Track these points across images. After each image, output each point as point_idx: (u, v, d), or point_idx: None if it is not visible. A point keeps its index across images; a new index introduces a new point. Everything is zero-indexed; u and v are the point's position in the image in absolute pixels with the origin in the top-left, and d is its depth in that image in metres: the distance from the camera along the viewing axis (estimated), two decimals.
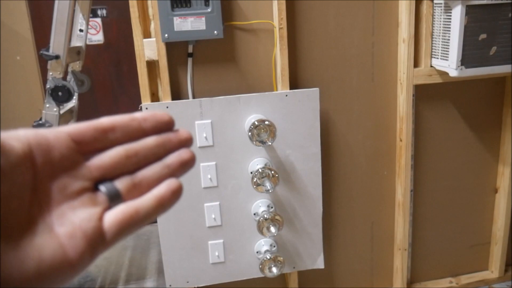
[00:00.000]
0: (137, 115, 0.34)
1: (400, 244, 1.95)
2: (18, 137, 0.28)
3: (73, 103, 2.15)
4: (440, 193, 1.98)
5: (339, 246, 1.96)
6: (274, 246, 1.72)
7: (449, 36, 1.62)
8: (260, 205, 1.68)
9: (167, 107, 1.57)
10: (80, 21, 1.97)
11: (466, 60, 1.61)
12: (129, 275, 2.46)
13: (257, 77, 1.69)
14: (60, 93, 1.91)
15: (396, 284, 2.03)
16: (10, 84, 2.85)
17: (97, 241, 0.29)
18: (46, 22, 2.68)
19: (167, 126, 0.35)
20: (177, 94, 1.65)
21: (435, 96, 1.84)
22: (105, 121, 0.32)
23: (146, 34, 1.59)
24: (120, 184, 0.32)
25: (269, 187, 1.55)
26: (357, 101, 1.80)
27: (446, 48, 1.64)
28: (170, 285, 1.72)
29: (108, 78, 3.03)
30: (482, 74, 1.66)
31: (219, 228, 1.69)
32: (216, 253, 1.71)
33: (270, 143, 1.55)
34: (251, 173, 1.60)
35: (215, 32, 1.52)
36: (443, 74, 1.73)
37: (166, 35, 1.51)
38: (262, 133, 1.53)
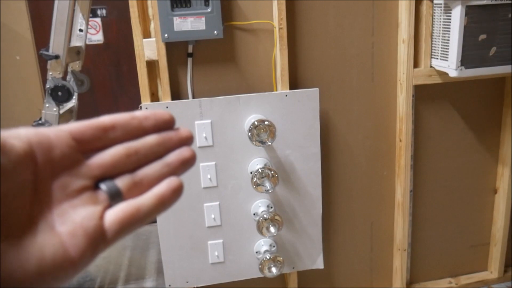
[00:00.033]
0: (137, 113, 0.34)
1: (399, 244, 1.95)
2: (19, 136, 0.28)
3: (72, 103, 2.14)
4: (439, 193, 1.98)
5: (338, 246, 1.96)
6: (274, 246, 1.72)
7: (448, 37, 1.62)
8: (260, 205, 1.68)
9: (167, 107, 1.57)
10: (80, 21, 1.96)
11: (465, 60, 1.61)
12: (129, 275, 2.46)
13: (257, 77, 1.69)
14: (59, 93, 1.91)
15: (395, 284, 2.03)
16: (10, 84, 2.85)
17: (98, 239, 0.29)
18: (46, 22, 2.69)
19: (167, 124, 0.35)
20: (177, 94, 1.65)
21: (434, 97, 1.84)
22: (106, 119, 0.32)
23: (146, 34, 1.59)
24: (121, 182, 0.32)
25: (268, 187, 1.55)
26: (357, 101, 1.80)
27: (446, 48, 1.64)
28: (169, 285, 1.72)
29: (107, 78, 3.03)
30: (481, 75, 1.67)
31: (218, 228, 1.69)
32: (216, 253, 1.71)
33: (269, 143, 1.55)
34: (251, 173, 1.60)
35: (215, 32, 1.52)
36: (443, 74, 1.73)
37: (166, 35, 1.51)
38: (261, 133, 1.53)
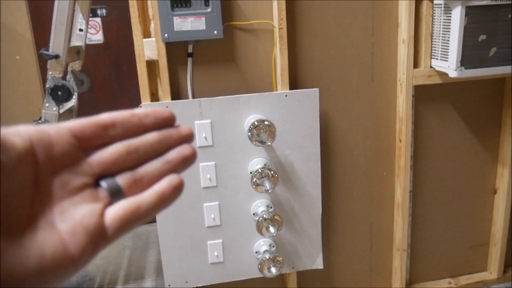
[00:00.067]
0: (137, 111, 0.34)
1: (399, 245, 1.95)
2: (19, 133, 0.28)
3: (72, 102, 2.14)
4: (439, 193, 1.98)
5: (338, 247, 1.96)
6: (273, 246, 1.72)
7: (448, 37, 1.62)
8: (260, 205, 1.68)
9: (167, 107, 1.57)
10: (80, 21, 1.96)
11: (465, 61, 1.61)
12: (128, 275, 2.46)
13: (257, 77, 1.69)
14: (59, 93, 1.91)
15: (395, 285, 2.03)
16: (10, 84, 2.85)
17: (99, 237, 0.29)
18: (46, 22, 2.69)
19: (168, 122, 0.35)
20: (176, 94, 1.65)
21: (434, 97, 1.85)
22: (106, 117, 0.32)
23: (146, 34, 1.59)
24: (121, 180, 0.32)
25: (268, 187, 1.55)
26: (357, 102, 1.80)
27: (446, 49, 1.64)
28: (169, 285, 1.72)
29: (107, 78, 3.03)
30: (481, 75, 1.67)
31: (218, 228, 1.69)
32: (215, 253, 1.71)
33: (269, 143, 1.55)
34: (251, 173, 1.60)
35: (215, 32, 1.52)
36: (443, 75, 1.73)
37: (166, 35, 1.51)
38: (261, 133, 1.53)
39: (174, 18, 1.49)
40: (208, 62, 1.65)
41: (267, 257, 1.66)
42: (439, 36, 1.69)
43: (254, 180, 1.57)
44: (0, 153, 0.26)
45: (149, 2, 1.56)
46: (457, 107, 1.88)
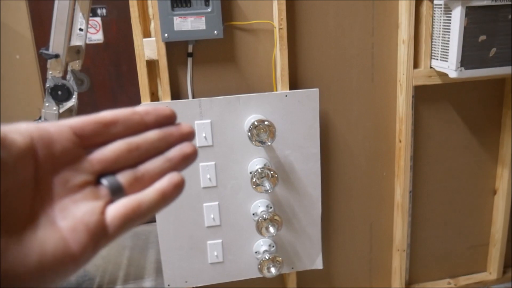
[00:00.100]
0: (139, 108, 0.34)
1: (398, 245, 1.95)
2: (20, 131, 0.28)
3: (72, 102, 2.14)
4: (439, 194, 1.98)
5: (337, 247, 1.96)
6: (273, 246, 1.72)
7: (448, 37, 1.62)
8: (259, 205, 1.68)
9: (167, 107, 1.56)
10: (80, 20, 1.96)
11: (465, 61, 1.61)
12: (128, 274, 2.46)
13: (257, 77, 1.69)
14: (59, 92, 1.90)
15: (394, 285, 2.03)
16: (10, 83, 2.85)
17: (99, 234, 0.29)
18: (46, 21, 2.69)
19: (169, 120, 0.35)
20: (176, 94, 1.65)
21: (434, 97, 1.85)
22: (107, 114, 0.32)
23: (146, 34, 1.59)
24: (122, 177, 0.32)
25: (268, 187, 1.55)
26: (357, 102, 1.80)
27: (446, 49, 1.64)
28: (168, 285, 1.71)
29: (107, 78, 3.03)
30: (481, 76, 1.67)
31: (218, 228, 1.69)
32: (215, 253, 1.71)
33: (269, 143, 1.55)
34: (250, 173, 1.60)
35: (215, 32, 1.52)
36: (443, 75, 1.73)
37: (166, 34, 1.51)
38: (261, 133, 1.53)
39: (174, 18, 1.49)
40: (208, 62, 1.65)
41: (267, 257, 1.66)
42: (439, 37, 1.69)
43: (254, 180, 1.57)
44: (0, 150, 0.26)
45: (149, 2, 1.56)
46: (457, 107, 1.88)
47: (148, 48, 1.56)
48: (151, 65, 1.62)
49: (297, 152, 1.67)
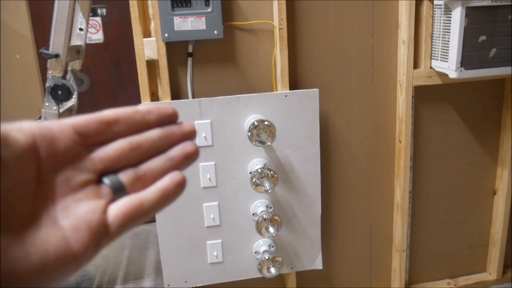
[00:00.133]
0: (140, 107, 0.34)
1: (398, 245, 1.95)
2: (22, 129, 0.28)
3: (72, 102, 2.14)
4: (438, 194, 1.98)
5: (337, 247, 1.96)
6: (273, 247, 1.72)
7: (448, 38, 1.62)
8: (259, 205, 1.68)
9: None
10: (80, 20, 1.96)
11: (465, 61, 1.61)
12: (127, 274, 2.46)
13: (257, 77, 1.69)
14: (59, 92, 1.90)
15: (394, 285, 2.03)
16: (10, 83, 2.85)
17: (101, 233, 0.29)
18: (46, 21, 2.69)
19: (170, 119, 0.34)
20: (176, 93, 1.65)
21: (434, 98, 1.85)
22: (109, 113, 0.32)
23: (146, 34, 1.59)
24: (124, 176, 0.31)
25: (268, 188, 1.55)
26: (357, 102, 1.80)
27: (446, 49, 1.64)
28: (168, 285, 1.71)
29: (107, 77, 3.03)
30: (481, 76, 1.67)
31: (217, 228, 1.69)
32: (215, 253, 1.71)
33: (269, 144, 1.55)
34: (250, 173, 1.60)
35: (215, 32, 1.52)
36: (443, 75, 1.73)
37: (166, 34, 1.51)
38: (261, 133, 1.53)
39: (174, 17, 1.49)
40: (208, 62, 1.65)
41: (267, 257, 1.66)
42: (439, 37, 1.69)
43: (253, 180, 1.57)
44: (2, 148, 0.26)
45: (149, 2, 1.56)
46: (457, 107, 1.88)
47: (148, 48, 1.56)
48: (151, 65, 1.62)
49: (297, 152, 1.67)
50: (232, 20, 1.62)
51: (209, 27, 1.52)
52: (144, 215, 0.31)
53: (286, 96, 1.62)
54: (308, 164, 1.69)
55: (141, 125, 0.33)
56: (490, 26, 1.59)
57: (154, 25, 1.57)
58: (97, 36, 2.95)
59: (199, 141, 1.59)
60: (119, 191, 0.31)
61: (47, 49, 1.85)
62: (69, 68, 2.05)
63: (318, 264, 1.81)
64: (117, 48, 2.99)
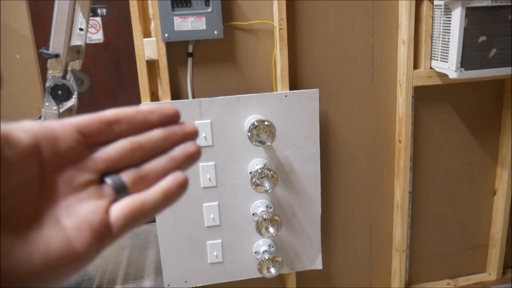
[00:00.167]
0: (142, 107, 0.34)
1: (398, 246, 1.95)
2: (25, 129, 0.28)
3: (72, 102, 2.14)
4: (438, 195, 1.98)
5: (337, 247, 1.96)
6: (273, 247, 1.72)
7: (448, 38, 1.62)
8: (259, 206, 1.68)
9: None
10: (80, 20, 1.96)
11: (465, 62, 1.61)
12: (127, 274, 2.45)
13: (257, 78, 1.69)
14: (59, 92, 1.90)
15: (394, 285, 2.03)
16: (10, 83, 2.85)
17: (104, 233, 0.29)
18: (46, 21, 2.69)
19: (172, 119, 0.34)
20: (176, 93, 1.65)
21: (434, 98, 1.85)
22: (111, 113, 0.32)
23: (146, 34, 1.59)
24: (126, 176, 0.31)
25: (268, 188, 1.55)
26: (357, 102, 1.80)
27: (446, 50, 1.64)
28: (168, 285, 1.71)
29: (107, 77, 3.03)
30: (481, 76, 1.67)
31: (217, 228, 1.69)
32: (215, 253, 1.71)
33: (269, 144, 1.55)
34: (250, 173, 1.60)
35: (215, 32, 1.52)
36: (443, 76, 1.73)
37: (166, 34, 1.51)
38: (261, 133, 1.53)
39: (175, 17, 1.49)
40: (208, 62, 1.65)
41: (267, 257, 1.66)
42: (439, 37, 1.69)
43: (253, 180, 1.57)
44: (5, 148, 0.26)
45: (149, 2, 1.56)
46: (457, 108, 1.88)
47: (148, 48, 1.56)
48: (151, 65, 1.62)
49: (297, 152, 1.67)
50: (232, 20, 1.62)
51: (209, 27, 1.52)
52: (146, 215, 0.31)
53: (286, 96, 1.62)
54: (308, 164, 1.69)
55: (143, 125, 0.33)
56: (490, 27, 1.59)
57: (154, 25, 1.57)
58: (97, 36, 2.95)
59: (199, 141, 1.58)
60: (121, 191, 0.31)
61: (47, 49, 1.85)
62: (69, 68, 2.05)
63: (318, 264, 1.81)
64: (117, 48, 3.00)
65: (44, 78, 2.42)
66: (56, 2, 1.80)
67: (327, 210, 1.88)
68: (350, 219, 1.93)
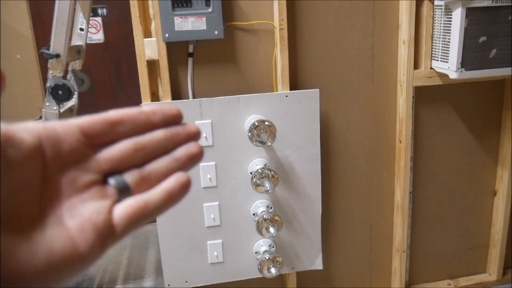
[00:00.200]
0: (145, 108, 0.34)
1: (398, 246, 1.95)
2: (28, 130, 0.28)
3: (73, 101, 2.14)
4: (439, 195, 1.98)
5: (337, 247, 1.96)
6: (273, 247, 1.72)
7: (449, 38, 1.62)
8: (259, 206, 1.68)
9: None
10: (80, 20, 1.96)
11: (466, 62, 1.61)
12: (128, 274, 2.46)
13: (257, 78, 1.69)
14: (60, 92, 1.90)
15: (394, 285, 2.03)
16: (10, 83, 2.84)
17: (107, 234, 0.29)
18: (46, 21, 2.69)
19: (175, 119, 0.35)
20: (177, 94, 1.65)
21: (434, 98, 1.85)
22: (114, 114, 0.32)
23: (147, 34, 1.59)
24: (129, 177, 0.32)
25: (268, 188, 1.55)
26: (357, 102, 1.80)
27: (446, 50, 1.65)
28: (168, 285, 1.71)
29: (107, 77, 3.03)
30: (481, 77, 1.67)
31: (218, 228, 1.69)
32: (215, 253, 1.71)
33: (270, 144, 1.55)
34: (251, 173, 1.60)
35: (216, 32, 1.52)
36: (443, 76, 1.73)
37: (166, 34, 1.51)
38: (262, 133, 1.53)
39: (175, 18, 1.49)
40: (209, 62, 1.65)
41: (267, 258, 1.66)
42: (439, 37, 1.69)
43: (254, 181, 1.57)
44: (8, 149, 0.26)
45: (150, 2, 1.57)
46: (457, 108, 1.88)
47: (149, 48, 1.56)
48: (152, 65, 1.62)
49: (297, 152, 1.67)
50: (233, 20, 1.62)
51: (209, 27, 1.52)
52: (149, 216, 0.31)
53: (286, 96, 1.62)
54: (308, 165, 1.69)
55: (146, 125, 0.33)
56: (491, 27, 1.59)
57: (154, 25, 1.58)
58: (97, 36, 2.96)
59: (199, 141, 1.58)
60: (124, 191, 0.31)
61: (48, 49, 1.85)
62: (69, 68, 2.05)
63: (318, 264, 1.81)
64: (117, 48, 3.00)
65: (44, 78, 2.43)
66: (57, 2, 1.80)
67: (328, 210, 1.88)
68: (350, 219, 1.93)
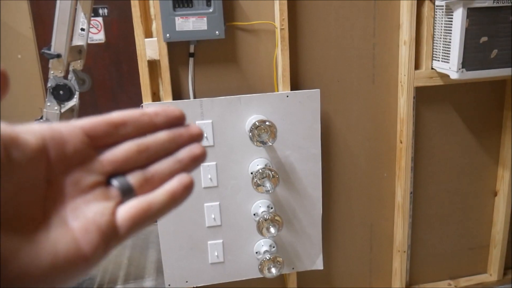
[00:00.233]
0: (148, 109, 0.34)
1: (399, 246, 1.95)
2: (33, 131, 0.28)
3: (74, 101, 2.14)
4: (439, 195, 1.98)
5: (338, 247, 1.96)
6: (274, 247, 1.72)
7: (450, 39, 1.62)
8: (260, 206, 1.68)
9: None
10: (81, 20, 1.96)
11: (467, 62, 1.61)
12: (128, 274, 2.46)
13: (258, 78, 1.70)
14: (61, 92, 1.91)
15: (394, 286, 2.03)
16: (11, 83, 2.84)
17: (111, 235, 0.29)
18: (47, 21, 2.69)
19: (178, 121, 0.35)
20: (178, 94, 1.65)
21: (435, 99, 1.85)
22: (117, 115, 0.32)
23: (148, 34, 1.59)
24: (132, 178, 0.32)
25: (269, 188, 1.55)
26: (358, 103, 1.80)
27: (447, 50, 1.65)
28: (169, 285, 1.72)
29: (108, 77, 3.03)
30: (482, 77, 1.67)
31: (218, 228, 1.69)
32: (216, 253, 1.71)
33: (270, 144, 1.56)
34: (251, 173, 1.60)
35: (217, 32, 1.52)
36: (444, 76, 1.73)
37: (167, 35, 1.51)
38: (262, 133, 1.53)
39: (176, 18, 1.50)
40: (210, 62, 1.65)
41: (267, 258, 1.66)
42: (440, 38, 1.69)
43: (255, 181, 1.57)
44: (13, 150, 0.26)
45: (151, 2, 1.57)
46: (458, 108, 1.88)
47: (150, 48, 1.56)
48: (153, 65, 1.62)
49: (297, 152, 1.67)
50: (234, 21, 1.62)
51: (210, 27, 1.52)
52: (152, 217, 0.31)
53: (287, 96, 1.62)
54: (309, 165, 1.69)
55: (149, 127, 0.33)
56: (491, 27, 1.59)
57: (155, 25, 1.58)
58: (98, 36, 2.96)
59: None
60: (127, 193, 0.31)
61: (49, 49, 1.85)
62: (70, 68, 2.05)
63: (318, 265, 1.81)
64: (118, 48, 3.00)
65: (45, 78, 2.43)
66: (58, 2, 1.80)
67: (328, 210, 1.88)
68: (351, 220, 1.93)
